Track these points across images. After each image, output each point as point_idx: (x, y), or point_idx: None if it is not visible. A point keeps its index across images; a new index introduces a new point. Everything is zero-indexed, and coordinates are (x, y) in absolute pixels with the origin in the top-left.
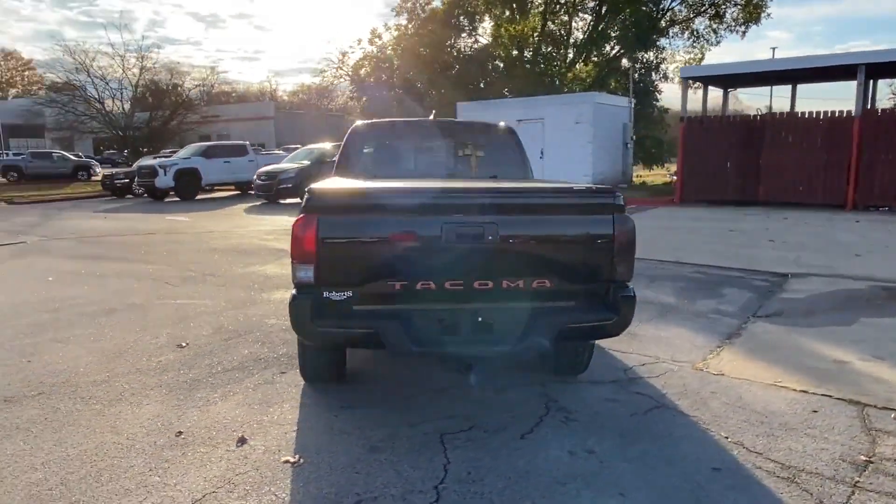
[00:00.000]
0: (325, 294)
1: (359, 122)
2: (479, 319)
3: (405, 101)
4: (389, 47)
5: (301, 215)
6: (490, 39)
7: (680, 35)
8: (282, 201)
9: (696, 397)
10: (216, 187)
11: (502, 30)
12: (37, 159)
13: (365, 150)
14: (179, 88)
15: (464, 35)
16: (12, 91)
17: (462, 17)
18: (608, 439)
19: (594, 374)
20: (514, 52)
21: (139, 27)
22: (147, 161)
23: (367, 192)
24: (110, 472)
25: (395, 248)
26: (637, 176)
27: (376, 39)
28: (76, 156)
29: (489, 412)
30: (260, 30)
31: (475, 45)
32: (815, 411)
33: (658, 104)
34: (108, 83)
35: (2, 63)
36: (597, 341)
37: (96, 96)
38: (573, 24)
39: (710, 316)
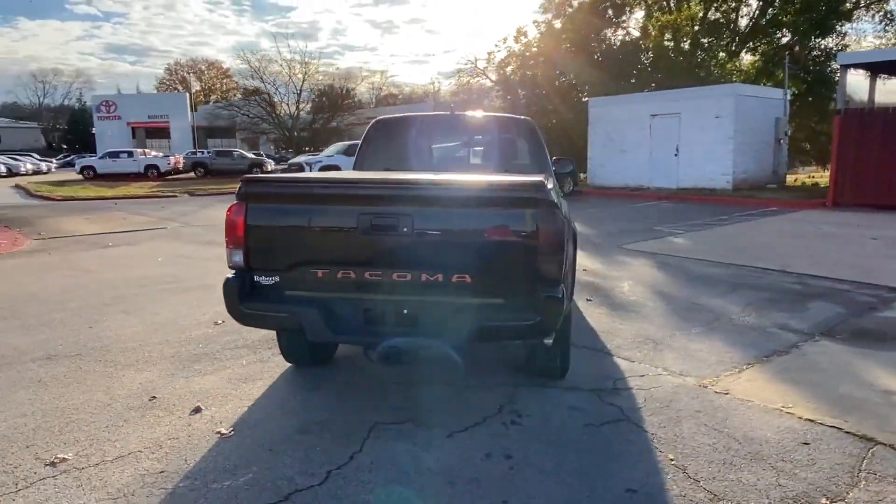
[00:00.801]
0: (256, 278)
1: (380, 117)
2: (405, 312)
3: (551, 98)
4: (535, 45)
5: (234, 203)
6: (641, 31)
7: (869, 18)
8: None
9: (671, 415)
10: None
11: (654, 20)
12: (220, 157)
13: (381, 144)
14: (351, 92)
15: (612, 28)
16: (213, 97)
17: (610, 10)
18: (538, 446)
19: (578, 380)
20: (668, 44)
21: (323, 36)
22: (297, 159)
23: (290, 182)
24: (75, 425)
25: (316, 237)
26: (809, 176)
27: (521, 37)
28: (255, 154)
29: (439, 408)
30: (430, 34)
31: (625, 38)
32: (807, 443)
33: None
34: (276, 88)
35: (206, 72)
36: (610, 348)
37: (274, 100)
38: (739, 11)
39: (768, 330)
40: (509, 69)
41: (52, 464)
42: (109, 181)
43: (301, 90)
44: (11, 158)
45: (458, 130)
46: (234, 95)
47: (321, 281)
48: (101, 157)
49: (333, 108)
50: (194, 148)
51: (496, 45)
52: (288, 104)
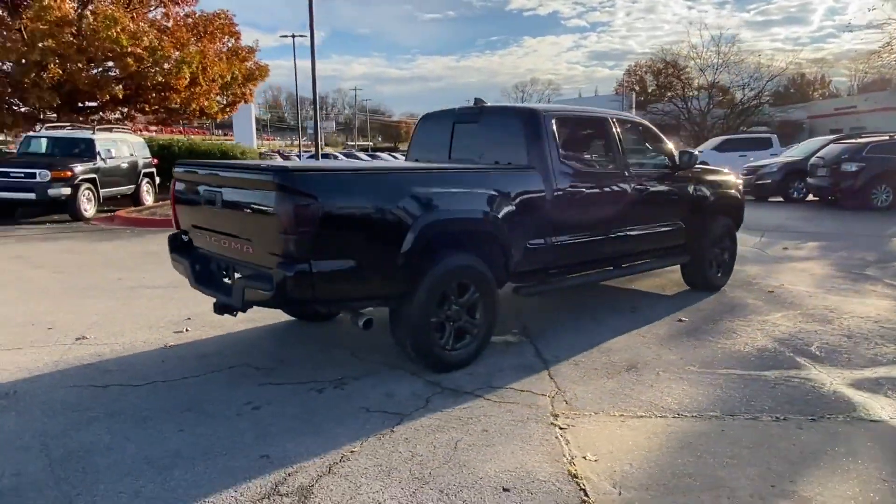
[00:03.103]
0: (182, 237)
1: (427, 113)
2: (223, 271)
3: None
4: None
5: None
6: None
7: None
8: (771, 199)
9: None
10: None
11: None
12: None
13: (418, 138)
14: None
15: None
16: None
17: None
18: (292, 412)
19: (478, 381)
20: None
21: (815, 19)
22: None
23: (179, 169)
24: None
25: (190, 207)
26: None
27: None
28: None
29: (308, 372)
30: None
31: None
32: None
33: None
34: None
35: (664, 70)
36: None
37: (688, 94)
38: None
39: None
40: None
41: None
42: None
43: (767, 79)
44: None
45: (468, 124)
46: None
47: (193, 238)
48: None
49: (803, 97)
50: None
51: None
52: (699, 98)
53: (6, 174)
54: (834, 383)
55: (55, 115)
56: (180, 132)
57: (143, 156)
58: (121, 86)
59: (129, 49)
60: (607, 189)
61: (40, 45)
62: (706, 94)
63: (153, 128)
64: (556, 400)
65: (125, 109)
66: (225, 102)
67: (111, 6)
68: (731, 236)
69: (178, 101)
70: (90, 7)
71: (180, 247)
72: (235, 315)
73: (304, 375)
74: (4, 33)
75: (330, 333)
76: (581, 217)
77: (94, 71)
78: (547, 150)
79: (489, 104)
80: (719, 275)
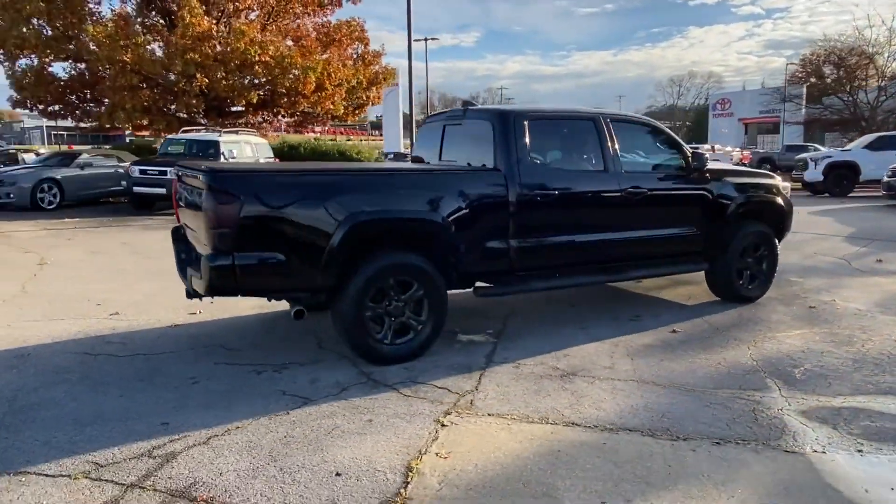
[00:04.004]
0: (180, 230)
1: (427, 115)
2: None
3: None
4: None
5: None
6: None
7: None
8: None
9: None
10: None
11: None
12: (790, 152)
13: (419, 140)
14: None
15: None
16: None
17: None
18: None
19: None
20: None
21: None
22: (803, 154)
23: (174, 170)
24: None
25: (179, 203)
26: None
27: None
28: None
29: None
30: None
31: None
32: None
33: None
34: None
35: (847, 59)
36: None
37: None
38: None
39: None
40: None
41: None
42: None
43: None
44: None
45: (454, 126)
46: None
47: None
48: None
49: None
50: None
51: None
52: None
53: (145, 172)
54: (784, 409)
55: (204, 119)
56: (341, 133)
57: (264, 155)
58: (256, 92)
59: (258, 58)
60: (590, 191)
61: (186, 57)
62: (876, 86)
63: (318, 129)
64: (464, 399)
65: (264, 113)
66: (352, 105)
67: (245, 22)
68: (768, 245)
69: (307, 104)
70: (223, 21)
71: (177, 239)
72: (202, 300)
73: (259, 358)
74: (165, 49)
75: (322, 324)
76: (555, 220)
77: (233, 80)
78: (513, 152)
79: (474, 107)
80: (751, 286)
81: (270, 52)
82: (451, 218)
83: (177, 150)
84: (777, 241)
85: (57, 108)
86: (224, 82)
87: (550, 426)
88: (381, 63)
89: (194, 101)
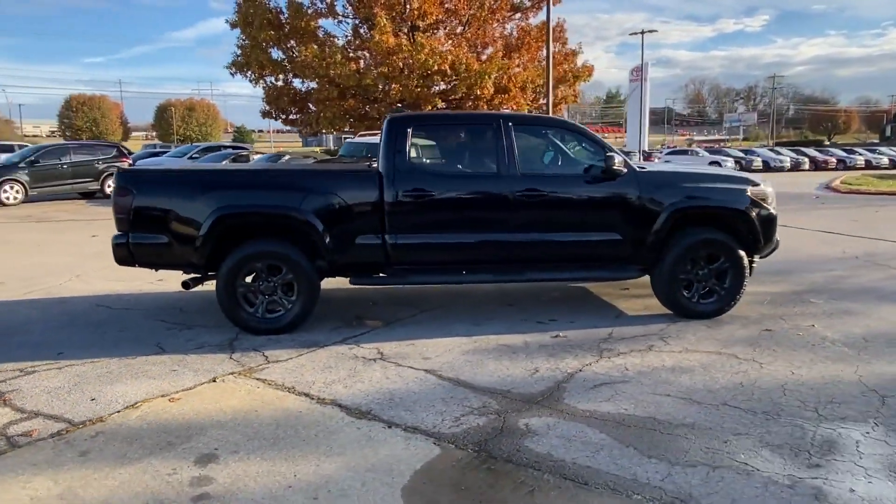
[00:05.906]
0: None
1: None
2: None
3: None
4: None
5: None
6: None
7: None
8: None
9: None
10: None
11: None
12: None
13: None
14: None
15: None
16: None
17: None
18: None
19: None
20: None
21: None
22: None
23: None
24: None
25: None
26: None
27: None
28: None
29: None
30: None
31: None
32: None
33: None
34: None
35: None
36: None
37: None
38: None
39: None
40: None
41: None
42: None
43: None
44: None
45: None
46: None
47: None
48: None
49: None
50: None
51: None
52: None
53: None
54: (509, 415)
55: None
56: (598, 130)
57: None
58: (439, 98)
59: (437, 67)
60: (474, 193)
61: (377, 71)
62: None
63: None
64: (262, 367)
65: None
66: (536, 104)
67: (426, 36)
68: (729, 256)
69: (487, 107)
70: (408, 35)
71: None
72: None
73: (188, 321)
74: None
75: None
76: (435, 220)
77: (420, 87)
78: (392, 154)
79: (394, 113)
80: (704, 301)
81: (449, 61)
82: (318, 213)
83: (359, 151)
84: (748, 253)
85: (295, 116)
86: (416, 90)
87: (290, 394)
88: (574, 62)
89: (384, 108)
